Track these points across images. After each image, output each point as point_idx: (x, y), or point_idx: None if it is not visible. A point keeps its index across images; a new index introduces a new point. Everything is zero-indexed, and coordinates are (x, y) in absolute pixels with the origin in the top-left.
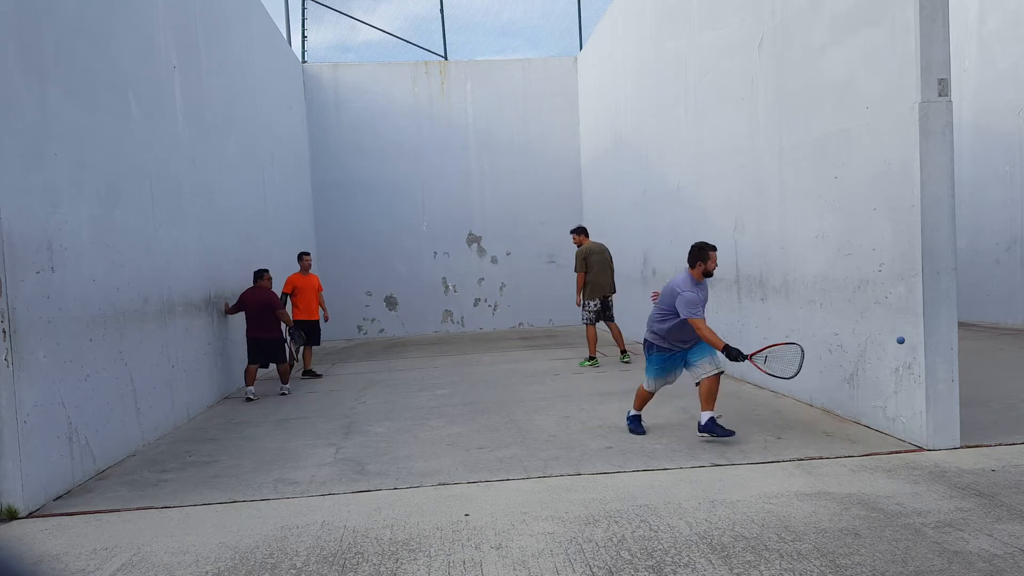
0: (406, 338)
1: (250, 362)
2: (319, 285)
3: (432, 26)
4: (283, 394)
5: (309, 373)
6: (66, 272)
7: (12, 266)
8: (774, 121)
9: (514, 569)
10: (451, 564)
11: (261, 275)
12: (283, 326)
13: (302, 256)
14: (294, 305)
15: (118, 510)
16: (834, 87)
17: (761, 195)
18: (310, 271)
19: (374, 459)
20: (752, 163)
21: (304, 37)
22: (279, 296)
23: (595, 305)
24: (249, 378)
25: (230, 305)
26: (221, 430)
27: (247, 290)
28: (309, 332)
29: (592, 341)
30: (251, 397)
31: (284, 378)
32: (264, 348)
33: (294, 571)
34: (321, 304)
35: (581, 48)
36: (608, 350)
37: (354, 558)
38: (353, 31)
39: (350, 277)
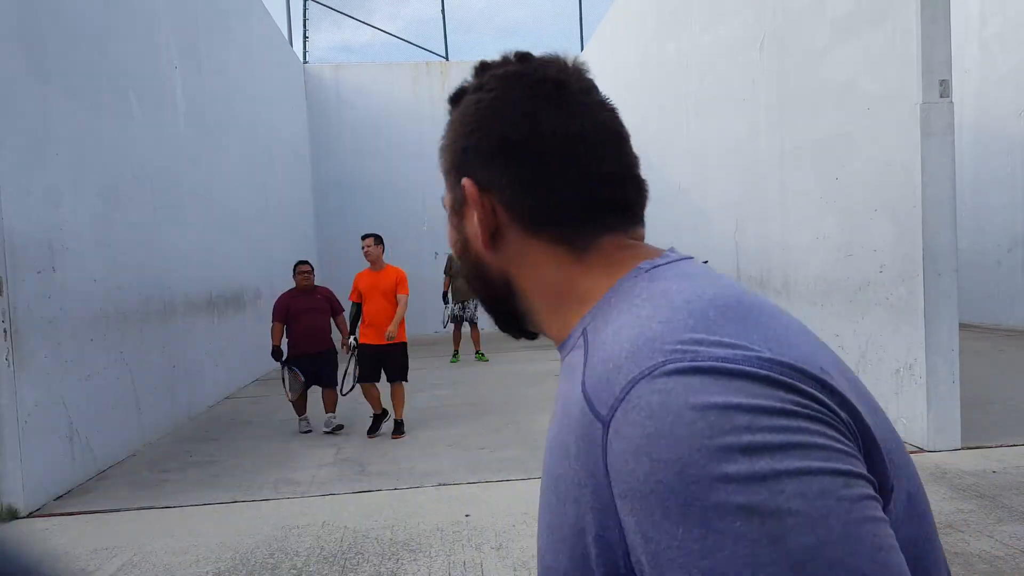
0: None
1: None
2: (395, 285)
3: (433, 27)
4: (331, 430)
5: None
6: (67, 272)
7: (13, 266)
8: (775, 122)
9: (515, 570)
10: (451, 565)
11: (294, 270)
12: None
13: (364, 241)
14: (362, 320)
15: (119, 510)
16: (835, 88)
17: (762, 196)
18: (382, 263)
19: (374, 459)
20: (753, 164)
21: (306, 38)
22: (341, 302)
23: (458, 308)
24: (300, 407)
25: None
26: (222, 430)
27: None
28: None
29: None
30: (307, 429)
31: (329, 406)
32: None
33: (294, 571)
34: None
35: (582, 49)
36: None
37: (354, 558)
38: (355, 32)
39: (351, 278)
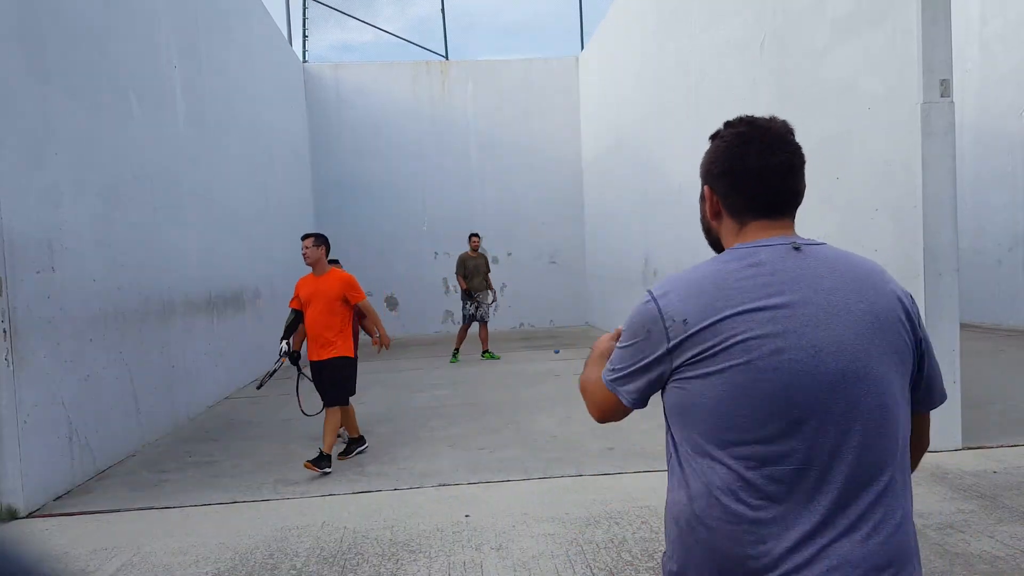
0: (406, 338)
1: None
2: (340, 292)
3: (433, 26)
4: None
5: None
6: (66, 272)
7: (12, 266)
8: None
9: (515, 570)
10: (451, 565)
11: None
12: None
13: (303, 242)
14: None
15: (118, 510)
16: (836, 88)
17: None
18: (323, 265)
19: (374, 460)
20: None
21: (305, 37)
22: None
23: (472, 307)
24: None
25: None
26: (221, 430)
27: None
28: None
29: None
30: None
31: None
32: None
33: (294, 572)
34: (347, 327)
35: (583, 48)
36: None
37: (354, 559)
38: (355, 31)
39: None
